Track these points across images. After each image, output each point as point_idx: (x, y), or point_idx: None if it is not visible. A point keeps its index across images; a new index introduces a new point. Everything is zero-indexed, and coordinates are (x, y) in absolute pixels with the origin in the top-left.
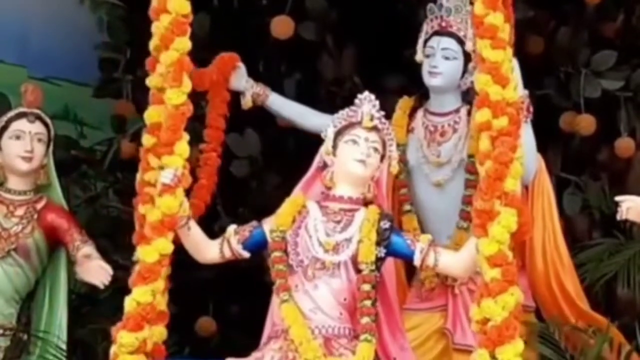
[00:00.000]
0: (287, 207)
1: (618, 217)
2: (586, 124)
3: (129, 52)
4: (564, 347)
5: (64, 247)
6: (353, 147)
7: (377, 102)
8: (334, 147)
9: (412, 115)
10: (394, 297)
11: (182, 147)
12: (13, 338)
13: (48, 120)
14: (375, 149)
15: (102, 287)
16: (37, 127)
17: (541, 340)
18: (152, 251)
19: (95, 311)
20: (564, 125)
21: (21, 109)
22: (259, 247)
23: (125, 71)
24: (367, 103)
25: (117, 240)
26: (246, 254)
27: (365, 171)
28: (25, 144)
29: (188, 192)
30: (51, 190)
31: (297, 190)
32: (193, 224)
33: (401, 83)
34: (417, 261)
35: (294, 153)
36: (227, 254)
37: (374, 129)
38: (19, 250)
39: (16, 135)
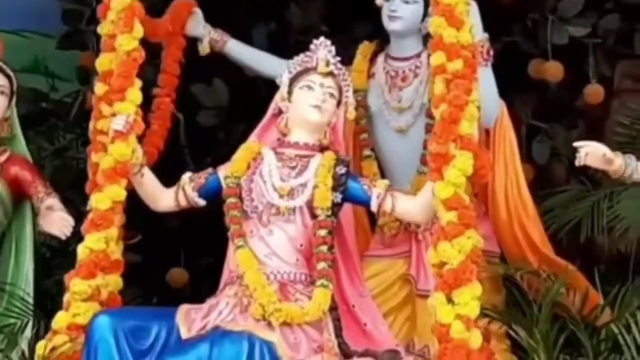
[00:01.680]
0: (241, 154)
1: (576, 163)
2: (554, 70)
3: (94, 3)
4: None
5: (29, 199)
6: (308, 92)
7: (332, 48)
8: (289, 93)
9: (373, 60)
10: (352, 244)
11: (134, 93)
12: None
13: (10, 72)
14: (331, 95)
15: (63, 237)
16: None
17: (506, 284)
18: (104, 198)
19: (65, 263)
20: (532, 73)
21: None
22: (214, 194)
23: (89, 22)
24: (322, 49)
25: (83, 192)
26: (202, 202)
27: (320, 117)
28: None
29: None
30: (15, 143)
31: (252, 138)
32: (147, 172)
33: (370, 31)
34: (374, 206)
35: (262, 103)
36: (182, 202)
37: (330, 74)
38: None
39: None
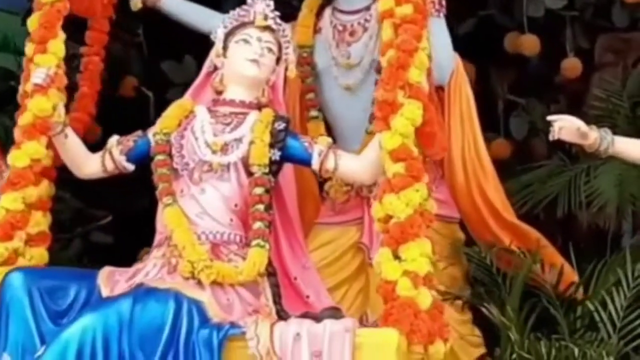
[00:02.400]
0: (172, 111)
1: (550, 137)
2: (529, 44)
3: None
4: (496, 268)
5: None
6: (245, 46)
7: (271, 2)
8: (225, 48)
9: (319, 14)
10: (294, 212)
11: (57, 45)
12: None
13: None
14: (270, 50)
15: None
16: None
17: (472, 262)
18: (21, 155)
19: None
20: (508, 47)
21: None
22: (145, 158)
23: None
24: (260, 2)
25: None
26: (130, 166)
27: (258, 71)
28: None
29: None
30: None
31: (185, 97)
32: (71, 133)
33: None
34: (315, 164)
35: None
36: (110, 166)
37: (268, 28)
38: None
39: None
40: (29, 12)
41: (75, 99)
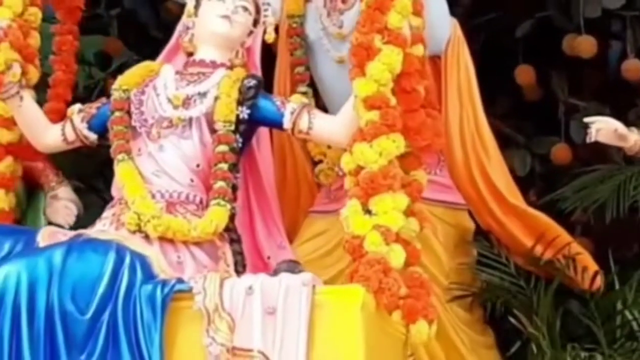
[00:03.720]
0: (136, 69)
1: (587, 140)
2: (585, 46)
3: None
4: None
5: (41, 188)
6: (217, 3)
7: None
8: (196, 7)
9: None
10: (271, 188)
11: None
12: None
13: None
14: (245, 8)
15: (66, 227)
16: None
17: (491, 265)
18: None
19: None
20: (566, 49)
21: None
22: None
23: (109, 7)
24: None
25: (109, 180)
26: (92, 135)
27: (230, 29)
28: None
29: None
30: None
31: (157, 61)
32: (28, 98)
33: None
34: (287, 124)
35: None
36: (71, 136)
37: None
38: None
39: None
40: (83, 21)
41: (50, 85)
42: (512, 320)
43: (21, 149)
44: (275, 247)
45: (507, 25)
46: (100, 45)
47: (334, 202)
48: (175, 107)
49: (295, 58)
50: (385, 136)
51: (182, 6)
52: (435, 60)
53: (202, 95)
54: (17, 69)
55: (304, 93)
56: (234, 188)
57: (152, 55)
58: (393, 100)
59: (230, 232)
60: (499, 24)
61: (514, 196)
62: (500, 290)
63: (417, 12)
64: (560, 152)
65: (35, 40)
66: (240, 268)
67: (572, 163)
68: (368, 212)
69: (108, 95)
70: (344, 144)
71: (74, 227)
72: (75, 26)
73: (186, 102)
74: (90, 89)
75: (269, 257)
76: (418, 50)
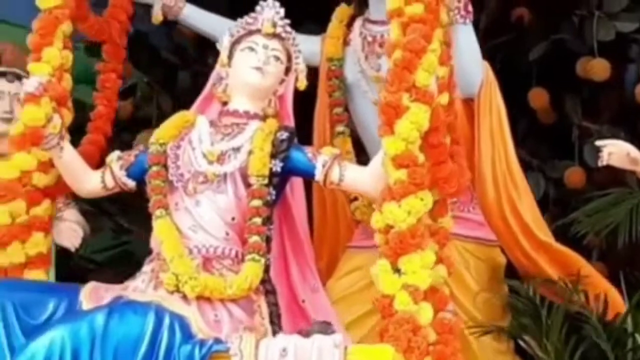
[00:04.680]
0: (172, 121)
1: (599, 163)
2: (600, 69)
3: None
4: (539, 298)
5: None
6: (250, 54)
7: (281, 10)
8: (230, 57)
9: (350, 25)
10: (304, 233)
11: (52, 53)
12: None
13: None
14: (277, 58)
15: (72, 249)
16: (17, 87)
17: (514, 295)
18: (9, 167)
19: (101, 274)
20: (580, 72)
21: (0, 69)
22: (145, 173)
23: None
24: (268, 9)
25: (122, 204)
26: (131, 183)
27: (262, 80)
28: (5, 104)
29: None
30: None
31: (191, 110)
32: (68, 147)
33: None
34: (318, 175)
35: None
36: (110, 183)
37: (276, 36)
38: None
39: None
40: (92, 44)
41: (91, 119)
42: (521, 343)
43: (57, 190)
44: (309, 290)
45: (521, 48)
46: None
47: (371, 237)
48: (210, 163)
49: (334, 99)
50: (414, 195)
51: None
52: (468, 102)
53: (236, 150)
54: (57, 121)
55: (342, 132)
56: (268, 240)
57: (163, 78)
58: (421, 158)
59: (265, 284)
60: (513, 47)
61: (543, 232)
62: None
63: (444, 62)
64: (574, 176)
65: (67, 82)
66: (275, 319)
67: (586, 187)
68: (397, 270)
69: (119, 119)
70: (374, 195)
71: (80, 250)
72: (120, 65)
73: (221, 158)
74: None
75: (303, 301)
76: (444, 99)
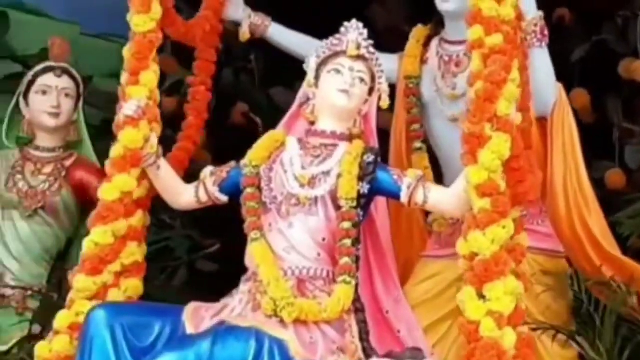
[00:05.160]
0: (263, 142)
1: None
2: None
3: None
4: (594, 301)
5: (95, 205)
6: (336, 76)
7: (365, 31)
8: (317, 78)
9: (427, 45)
10: (388, 246)
11: (149, 77)
12: (43, 299)
13: (77, 75)
14: (362, 80)
15: None
16: (65, 82)
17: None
18: (112, 189)
19: None
20: (622, 73)
21: (48, 63)
22: (237, 189)
23: None
24: (353, 31)
25: (163, 200)
26: (224, 198)
27: (348, 102)
28: (52, 99)
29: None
30: (82, 147)
31: (278, 128)
32: (164, 164)
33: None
34: (404, 198)
35: None
36: (203, 198)
37: (361, 58)
38: (47, 208)
39: (42, 90)
40: None
41: (181, 129)
42: (574, 345)
43: (148, 200)
44: (392, 301)
45: (563, 49)
46: None
47: (444, 247)
48: (302, 186)
49: (412, 116)
50: (497, 224)
51: (237, 25)
52: (541, 121)
53: (326, 174)
54: (154, 141)
55: (420, 148)
56: (357, 259)
57: None
58: (503, 186)
59: (354, 302)
60: (554, 48)
61: (611, 245)
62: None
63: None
64: (615, 177)
65: (156, 96)
66: (364, 335)
67: (627, 188)
68: (482, 297)
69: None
70: (456, 216)
71: None
72: (209, 79)
73: (312, 181)
74: None
75: (387, 312)
76: (518, 118)
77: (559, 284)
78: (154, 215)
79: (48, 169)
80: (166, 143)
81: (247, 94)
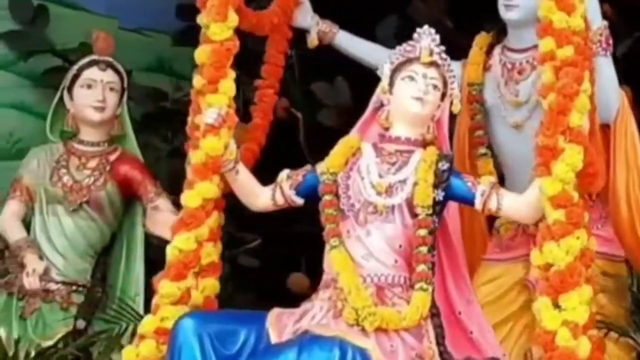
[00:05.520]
0: (339, 148)
1: None
2: None
3: None
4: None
5: (139, 200)
6: (410, 84)
7: (437, 37)
8: (391, 84)
9: (489, 52)
10: (459, 247)
11: (227, 85)
12: (87, 294)
13: (121, 69)
14: (435, 86)
15: (169, 239)
16: (109, 76)
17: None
18: (194, 195)
19: None
20: None
21: (93, 57)
22: (312, 192)
23: None
24: (425, 37)
25: None
26: (299, 200)
27: (422, 109)
28: (97, 93)
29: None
30: (126, 142)
31: (353, 132)
32: (242, 168)
33: (498, 25)
34: (478, 205)
35: None
36: (280, 200)
37: (433, 64)
38: (92, 203)
39: (87, 84)
40: (180, 33)
41: (247, 130)
42: (630, 341)
43: (222, 201)
44: (464, 302)
45: None
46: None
47: (504, 251)
48: (379, 194)
49: (475, 122)
50: (571, 235)
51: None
52: (604, 128)
53: (402, 182)
54: (233, 147)
55: (484, 154)
56: (433, 265)
57: (250, 68)
58: (576, 197)
59: (431, 307)
60: None
61: None
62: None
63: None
64: None
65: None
66: (440, 340)
67: None
68: (557, 307)
69: None
70: (529, 222)
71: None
72: (277, 83)
73: (389, 190)
74: (182, 102)
75: (460, 313)
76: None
77: (618, 287)
78: None
79: (93, 163)
80: None
81: (288, 89)
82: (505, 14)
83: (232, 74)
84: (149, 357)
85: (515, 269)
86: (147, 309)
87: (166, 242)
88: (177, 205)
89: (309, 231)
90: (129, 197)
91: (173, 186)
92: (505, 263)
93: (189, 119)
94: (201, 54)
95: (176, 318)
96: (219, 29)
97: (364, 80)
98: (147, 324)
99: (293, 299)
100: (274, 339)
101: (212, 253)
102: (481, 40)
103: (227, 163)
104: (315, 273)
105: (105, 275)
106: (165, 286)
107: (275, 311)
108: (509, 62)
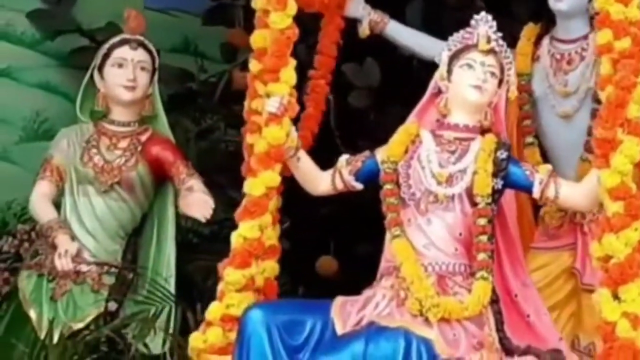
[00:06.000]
0: (399, 136)
1: None
2: None
3: None
4: None
5: (170, 181)
6: (468, 71)
7: (494, 23)
8: (449, 72)
9: (537, 43)
10: (515, 232)
11: (288, 73)
12: (118, 276)
13: (152, 49)
14: (492, 74)
15: (203, 220)
16: (140, 55)
17: None
18: (258, 184)
19: (213, 248)
20: None
21: (124, 36)
22: (371, 177)
23: None
24: (483, 24)
25: (233, 175)
26: (359, 185)
27: (481, 97)
28: (128, 72)
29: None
30: (157, 122)
31: (411, 118)
32: (303, 155)
33: (530, 11)
34: (536, 193)
35: (416, 84)
36: (339, 185)
37: (491, 52)
38: (123, 183)
39: (118, 63)
40: (211, 12)
41: (301, 119)
42: None
43: (281, 185)
44: (520, 285)
45: None
46: (223, 37)
47: (552, 239)
48: (439, 183)
49: (524, 112)
50: (629, 227)
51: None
52: None
53: (462, 171)
54: (294, 135)
55: (532, 143)
56: (492, 253)
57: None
58: (634, 189)
59: (491, 294)
60: None
61: None
62: None
63: None
64: None
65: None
66: (499, 326)
67: None
68: (617, 298)
69: (233, 92)
70: (584, 210)
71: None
72: (329, 73)
73: (449, 179)
74: (208, 83)
75: (516, 295)
76: None
77: None
78: (220, 191)
79: (124, 144)
80: (233, 119)
81: None
82: (555, 5)
83: (292, 62)
84: (215, 343)
85: (562, 257)
86: (179, 291)
87: (209, 225)
88: (208, 186)
89: (337, 214)
90: (161, 178)
91: (202, 166)
92: (552, 251)
93: (245, 103)
94: (258, 38)
95: (241, 304)
96: (279, 18)
97: (393, 61)
98: (213, 311)
99: (321, 282)
100: (339, 329)
101: (272, 236)
102: (529, 31)
103: (289, 151)
104: (343, 256)
105: (136, 256)
106: (230, 273)
107: (339, 300)
108: (557, 53)
